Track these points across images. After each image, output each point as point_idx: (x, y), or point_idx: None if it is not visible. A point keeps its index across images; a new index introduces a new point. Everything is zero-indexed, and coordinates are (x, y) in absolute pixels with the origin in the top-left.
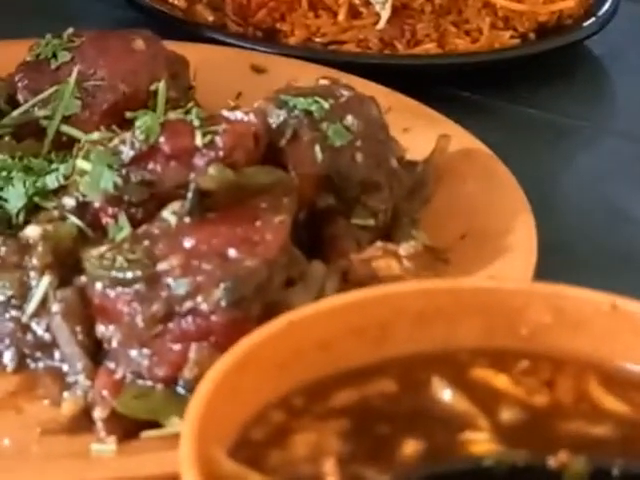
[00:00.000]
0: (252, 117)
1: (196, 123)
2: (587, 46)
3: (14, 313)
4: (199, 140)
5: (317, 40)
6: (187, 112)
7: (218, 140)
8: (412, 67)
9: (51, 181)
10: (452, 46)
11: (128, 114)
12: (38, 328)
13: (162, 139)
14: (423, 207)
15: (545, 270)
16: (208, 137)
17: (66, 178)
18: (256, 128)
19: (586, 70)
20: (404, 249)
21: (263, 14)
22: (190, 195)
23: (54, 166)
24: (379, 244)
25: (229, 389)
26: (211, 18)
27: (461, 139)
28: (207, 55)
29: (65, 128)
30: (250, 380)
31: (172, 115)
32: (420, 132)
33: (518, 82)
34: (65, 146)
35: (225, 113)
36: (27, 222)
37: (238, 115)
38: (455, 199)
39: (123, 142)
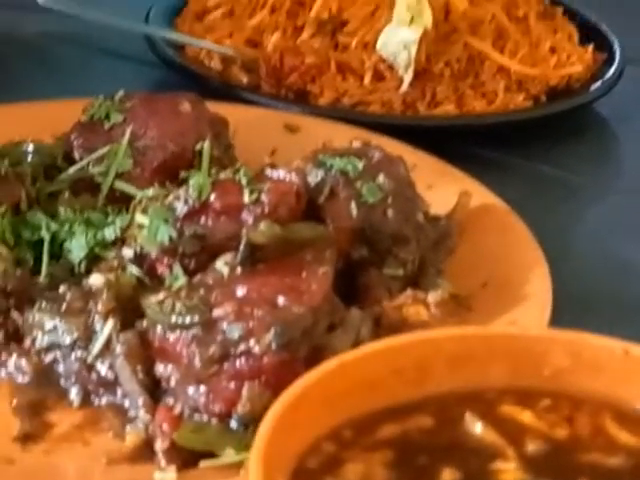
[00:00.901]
0: (293, 176)
1: (244, 182)
2: (595, 108)
3: (79, 354)
4: (246, 197)
5: (345, 101)
6: (236, 171)
7: (264, 197)
8: (433, 127)
9: (109, 233)
10: (470, 107)
11: (182, 173)
12: (102, 367)
13: (213, 196)
14: (447, 258)
15: (559, 317)
16: (254, 195)
17: (122, 230)
18: (297, 186)
19: (594, 130)
20: (432, 297)
21: (295, 77)
22: (242, 248)
23: (110, 219)
24: (409, 292)
25: (288, 423)
26: (245, 80)
27: (481, 195)
28: (243, 115)
29: (118, 184)
30: (305, 415)
31: (222, 174)
32: (443, 188)
33: (531, 141)
34: (118, 200)
35: (269, 172)
36: (88, 271)
37: (281, 174)
38: (476, 251)
39: (178, 199)
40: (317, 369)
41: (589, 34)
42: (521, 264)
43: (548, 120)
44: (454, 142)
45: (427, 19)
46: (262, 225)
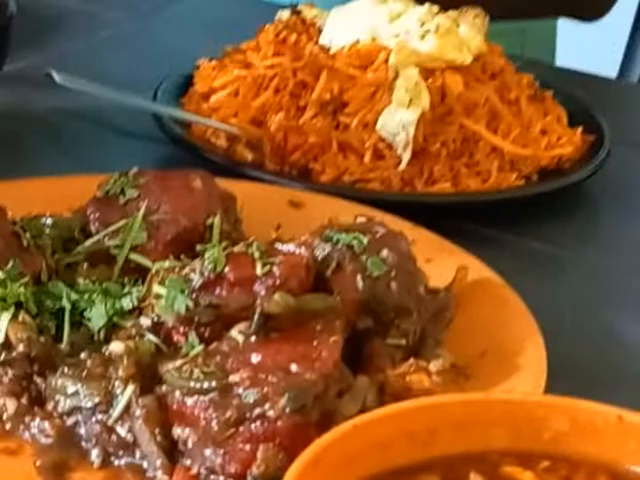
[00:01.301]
0: (303, 250)
1: (256, 255)
2: (584, 187)
3: (100, 417)
4: (259, 270)
5: (346, 178)
6: (248, 245)
7: (275, 270)
8: (430, 204)
9: (126, 303)
10: (465, 185)
11: (198, 247)
12: (122, 430)
13: (227, 269)
14: (446, 329)
15: (554, 385)
16: (267, 267)
17: (139, 300)
18: (306, 260)
19: (583, 208)
20: (434, 365)
21: (298, 155)
22: (256, 317)
23: (126, 290)
24: (411, 361)
25: None
26: (250, 157)
27: (477, 269)
28: (249, 191)
29: (133, 256)
30: (322, 474)
31: (235, 248)
32: (441, 263)
33: (523, 218)
34: (133, 272)
35: (279, 246)
36: (107, 338)
37: (291, 248)
38: (473, 322)
39: (194, 271)
40: (333, 431)
41: (578, 117)
42: (516, 335)
43: (539, 198)
44: (450, 218)
45: (424, 101)
46: (276, 296)
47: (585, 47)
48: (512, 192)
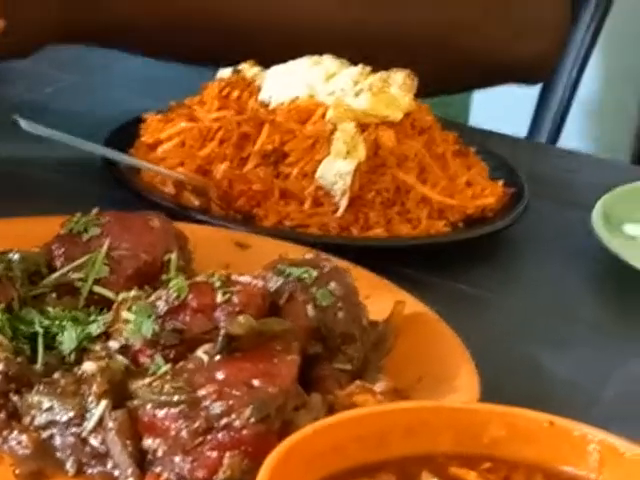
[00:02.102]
0: (259, 281)
1: (217, 285)
2: (505, 234)
3: (74, 430)
4: (219, 298)
5: (287, 223)
6: (209, 276)
7: (234, 298)
8: (365, 247)
9: (94, 329)
10: (397, 231)
11: (163, 277)
12: (95, 442)
13: (190, 296)
14: (385, 357)
15: None
16: (226, 296)
17: (106, 326)
18: (262, 290)
19: (505, 254)
20: (378, 387)
21: (243, 201)
22: (221, 338)
23: (93, 317)
24: (358, 382)
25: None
26: (197, 203)
27: (412, 304)
28: (198, 233)
29: (97, 288)
30: (286, 474)
31: (198, 278)
32: (379, 298)
33: (451, 262)
34: (96, 303)
35: (238, 278)
36: (77, 360)
37: (248, 279)
38: (411, 351)
39: (159, 298)
40: (295, 435)
41: (498, 171)
42: (450, 363)
43: (465, 244)
44: (383, 262)
45: (361, 153)
46: (240, 317)
47: (496, 109)
48: (440, 238)
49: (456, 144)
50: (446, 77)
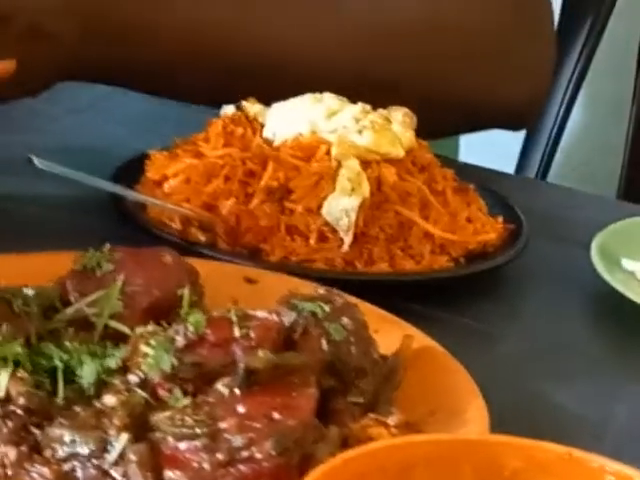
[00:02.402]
0: (274, 316)
1: (234, 319)
2: (506, 269)
3: (96, 462)
4: (237, 332)
5: (293, 258)
6: (227, 311)
7: (251, 333)
8: (370, 282)
9: (112, 363)
10: (400, 266)
11: (180, 312)
12: (116, 474)
13: (208, 331)
14: (395, 391)
15: None
16: (243, 330)
17: (123, 360)
18: (278, 325)
19: (505, 288)
20: (391, 420)
21: (250, 237)
22: (241, 372)
23: (109, 351)
24: (371, 416)
25: None
26: (204, 238)
27: (420, 339)
28: (208, 268)
29: (112, 323)
30: None
31: (215, 313)
32: (387, 332)
33: (453, 297)
34: (110, 337)
35: (254, 313)
36: (96, 394)
37: (263, 314)
38: (420, 385)
39: (177, 333)
40: (326, 464)
41: (496, 207)
42: (460, 396)
43: (468, 279)
44: (387, 297)
45: (365, 189)
46: (260, 352)
47: (483, 145)
48: (443, 273)
49: (455, 181)
50: (431, 123)
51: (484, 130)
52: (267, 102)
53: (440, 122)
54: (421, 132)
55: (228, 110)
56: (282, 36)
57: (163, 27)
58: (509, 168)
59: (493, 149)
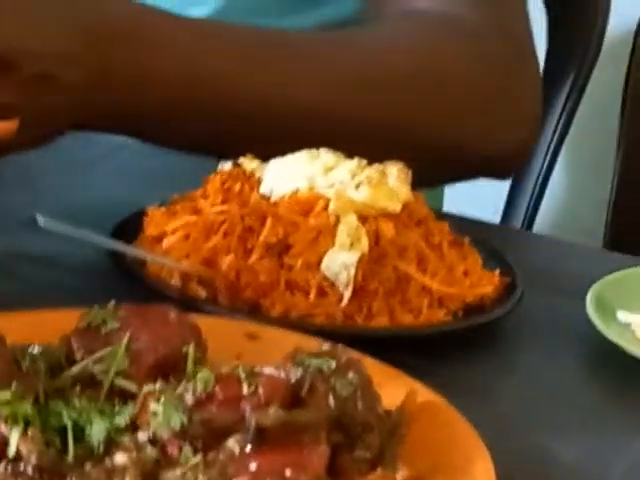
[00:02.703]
0: (282, 373)
1: (242, 376)
2: (502, 322)
3: None
4: (245, 390)
5: (293, 313)
6: (234, 368)
7: (260, 390)
8: (371, 336)
9: (121, 421)
10: (400, 320)
11: (189, 369)
12: None
13: (217, 388)
14: (400, 445)
15: None
16: (252, 388)
17: (131, 418)
18: (286, 381)
19: (502, 341)
20: (399, 475)
21: (250, 292)
22: (252, 430)
23: (117, 409)
24: (379, 471)
25: None
26: (203, 294)
27: (423, 393)
28: (209, 324)
29: (118, 380)
30: None
31: (224, 370)
32: (390, 387)
33: (452, 350)
34: (117, 394)
35: (262, 369)
36: (106, 451)
37: (271, 371)
38: (424, 439)
39: (187, 390)
40: None
41: (491, 261)
42: (465, 450)
43: (465, 332)
44: (386, 350)
45: (364, 244)
46: (270, 410)
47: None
48: (442, 326)
49: (450, 234)
50: (424, 173)
51: (473, 179)
52: (270, 151)
53: (433, 171)
54: (415, 182)
55: (225, 166)
56: (283, 82)
57: (166, 75)
58: (492, 217)
59: (476, 198)
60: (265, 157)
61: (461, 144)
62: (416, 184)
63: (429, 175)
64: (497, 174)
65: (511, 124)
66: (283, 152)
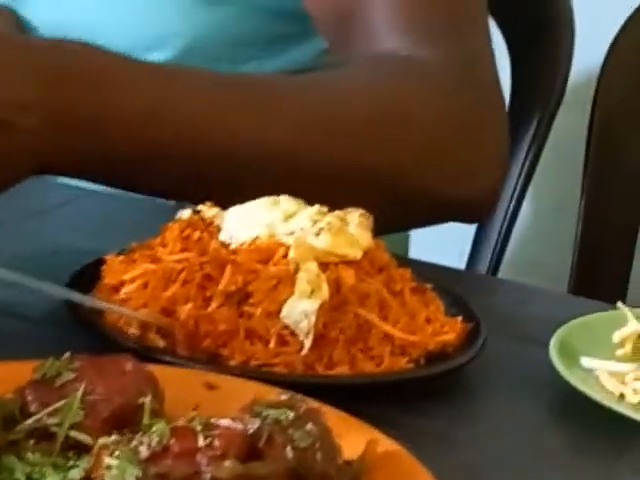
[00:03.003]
0: (238, 424)
1: (198, 428)
2: (465, 368)
3: None
4: (201, 442)
5: (253, 362)
6: (190, 420)
7: (216, 442)
8: (331, 385)
9: (75, 475)
10: (361, 369)
11: (145, 421)
12: None
13: (172, 441)
14: None
15: None
16: (208, 439)
17: (86, 471)
18: (242, 433)
19: (465, 388)
20: None
21: (209, 342)
22: None
23: (71, 463)
24: None
25: None
26: (162, 344)
27: (384, 443)
28: (168, 374)
29: (73, 433)
30: None
31: (180, 422)
32: (350, 437)
33: (413, 398)
34: (72, 447)
35: (218, 421)
36: None
37: (228, 423)
38: None
39: (141, 443)
40: None
41: (453, 307)
42: None
43: (428, 380)
44: (348, 399)
45: (324, 292)
46: (227, 462)
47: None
48: (404, 375)
49: (412, 281)
50: (392, 217)
51: (441, 223)
52: (235, 194)
53: (399, 216)
54: (381, 227)
55: (184, 213)
56: (249, 125)
57: (127, 114)
58: (457, 262)
59: (442, 244)
60: (230, 202)
61: (426, 188)
62: (382, 229)
63: (395, 220)
64: (466, 218)
65: (478, 167)
66: (247, 197)
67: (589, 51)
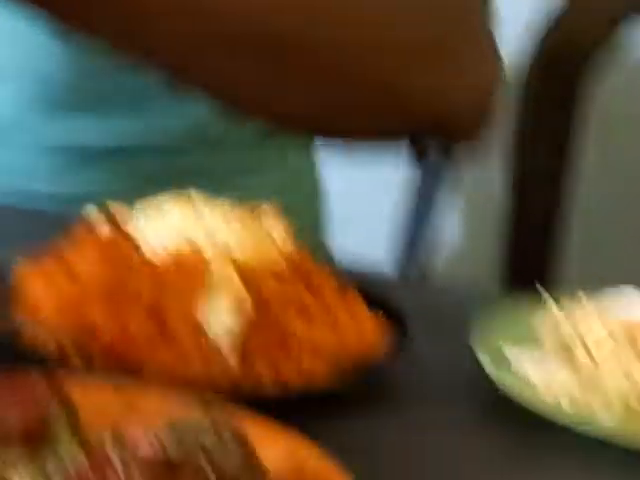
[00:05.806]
0: (157, 445)
1: (113, 450)
2: (390, 373)
3: None
4: (117, 464)
5: (174, 378)
6: (106, 440)
7: (132, 464)
8: (255, 398)
9: None
10: (284, 377)
11: (56, 440)
12: None
13: (86, 463)
14: None
15: None
16: (124, 460)
17: None
18: (160, 454)
19: (392, 391)
20: None
21: (128, 357)
22: None
23: None
24: None
25: None
26: (80, 361)
27: (310, 452)
28: (86, 392)
29: None
30: None
31: (95, 445)
32: (275, 447)
33: (339, 405)
34: None
35: (136, 442)
36: None
37: (146, 443)
38: None
39: (53, 469)
40: None
41: (380, 308)
42: None
43: (352, 386)
44: (272, 409)
45: (246, 302)
46: None
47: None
48: (327, 382)
49: (335, 286)
50: (381, 124)
51: (430, 136)
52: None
53: (383, 118)
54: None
55: (91, 212)
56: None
57: None
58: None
59: (370, 244)
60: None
61: (422, 91)
62: (369, 136)
63: (381, 123)
64: (457, 134)
65: (471, 77)
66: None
67: None
